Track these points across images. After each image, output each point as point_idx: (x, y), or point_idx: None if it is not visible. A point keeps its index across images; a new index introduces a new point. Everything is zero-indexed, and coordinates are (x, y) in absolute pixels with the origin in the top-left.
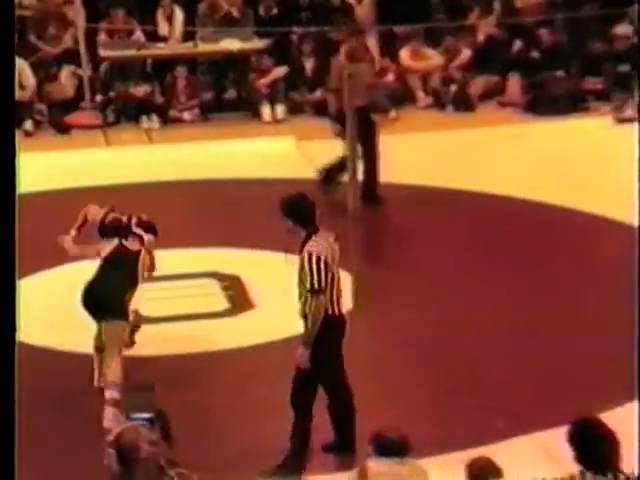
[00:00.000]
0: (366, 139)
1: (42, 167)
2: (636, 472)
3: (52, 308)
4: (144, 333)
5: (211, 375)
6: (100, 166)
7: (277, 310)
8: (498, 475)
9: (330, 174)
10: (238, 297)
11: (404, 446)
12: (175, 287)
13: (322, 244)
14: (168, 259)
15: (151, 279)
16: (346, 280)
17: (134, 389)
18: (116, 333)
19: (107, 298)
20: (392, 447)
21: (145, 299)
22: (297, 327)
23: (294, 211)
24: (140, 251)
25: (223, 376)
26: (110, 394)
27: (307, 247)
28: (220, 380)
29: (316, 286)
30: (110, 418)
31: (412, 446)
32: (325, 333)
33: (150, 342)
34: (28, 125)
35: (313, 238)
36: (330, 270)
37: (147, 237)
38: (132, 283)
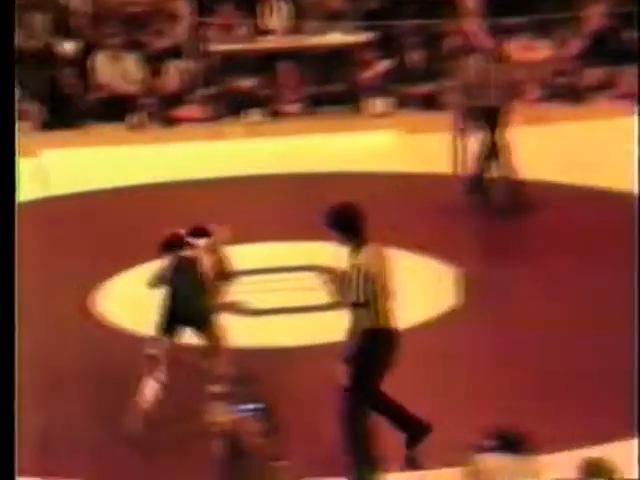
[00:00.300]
0: (493, 136)
1: (149, 160)
2: None
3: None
4: (247, 325)
5: (315, 368)
6: (206, 159)
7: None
8: (611, 475)
9: (478, 183)
10: None
11: (525, 443)
12: (278, 280)
13: (370, 257)
14: (271, 252)
15: (236, 275)
16: (451, 275)
17: (241, 381)
18: (216, 333)
19: (194, 316)
20: (513, 443)
21: (248, 291)
22: (400, 322)
23: (341, 222)
24: (196, 257)
25: (325, 370)
26: (216, 388)
27: (354, 260)
28: (324, 373)
29: (356, 299)
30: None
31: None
32: (370, 347)
33: (253, 334)
34: (136, 119)
35: (362, 250)
36: (377, 283)
37: (199, 242)
38: (203, 289)
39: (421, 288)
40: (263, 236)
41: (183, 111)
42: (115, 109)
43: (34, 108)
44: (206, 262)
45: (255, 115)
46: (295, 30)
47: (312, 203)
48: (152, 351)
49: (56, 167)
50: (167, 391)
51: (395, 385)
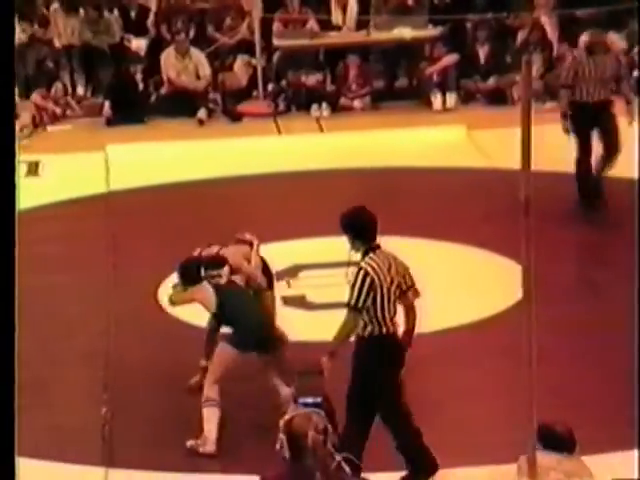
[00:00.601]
0: (606, 134)
1: (215, 155)
2: None
3: None
4: (308, 319)
5: None
6: (271, 154)
7: (443, 300)
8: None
9: (593, 184)
10: None
11: (572, 441)
12: (341, 274)
13: (378, 262)
14: (333, 246)
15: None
16: (516, 271)
17: (303, 373)
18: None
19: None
20: (561, 442)
21: (310, 286)
22: (463, 317)
23: (353, 225)
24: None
25: None
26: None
27: (362, 263)
28: None
29: (352, 303)
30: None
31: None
32: (372, 355)
33: (315, 328)
34: (202, 114)
35: (370, 255)
36: (379, 291)
37: (221, 271)
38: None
39: (485, 284)
40: (326, 231)
41: (249, 106)
42: (182, 104)
43: (103, 104)
44: (245, 271)
45: (321, 110)
46: (362, 25)
47: (376, 198)
48: (205, 363)
49: (122, 162)
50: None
51: (457, 379)
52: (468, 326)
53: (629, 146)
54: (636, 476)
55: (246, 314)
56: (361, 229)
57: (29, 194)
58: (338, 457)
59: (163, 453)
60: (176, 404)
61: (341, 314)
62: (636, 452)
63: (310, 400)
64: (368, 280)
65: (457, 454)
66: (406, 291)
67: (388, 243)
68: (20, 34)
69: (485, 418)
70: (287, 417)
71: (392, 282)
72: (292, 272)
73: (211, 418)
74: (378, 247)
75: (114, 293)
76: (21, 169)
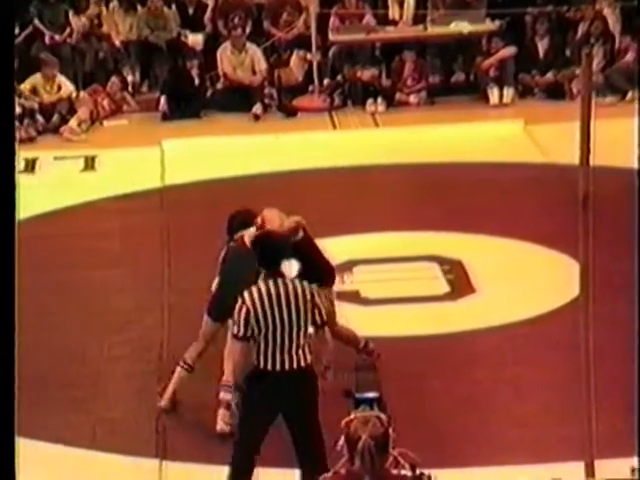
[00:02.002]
0: None
1: (270, 149)
2: None
3: None
4: (364, 314)
5: (430, 358)
6: (326, 149)
7: (499, 296)
8: None
9: None
10: (459, 281)
11: None
12: (397, 269)
13: (262, 292)
14: (388, 242)
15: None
16: (573, 268)
17: (360, 368)
18: None
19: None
20: None
21: (365, 281)
22: (518, 313)
23: (254, 248)
24: (242, 238)
25: (442, 360)
26: (223, 396)
27: (245, 290)
28: (439, 364)
29: (233, 332)
30: (221, 419)
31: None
32: (251, 388)
33: (370, 324)
34: (257, 108)
35: (259, 283)
36: (265, 322)
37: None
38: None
39: (542, 280)
40: (382, 226)
41: (304, 101)
42: (238, 99)
43: (159, 99)
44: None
45: (376, 105)
46: (419, 19)
47: (432, 193)
48: (227, 397)
49: (178, 157)
50: None
51: (514, 376)
52: (524, 322)
53: None
54: None
55: (224, 278)
56: (261, 254)
57: (85, 189)
58: (394, 452)
59: (216, 446)
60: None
61: (395, 310)
62: (636, 459)
63: (369, 395)
64: (244, 310)
65: (513, 451)
66: (318, 327)
67: (439, 238)
68: (78, 30)
69: (542, 415)
70: (348, 418)
71: (288, 315)
72: (346, 267)
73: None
74: (280, 275)
75: (168, 287)
76: (78, 164)
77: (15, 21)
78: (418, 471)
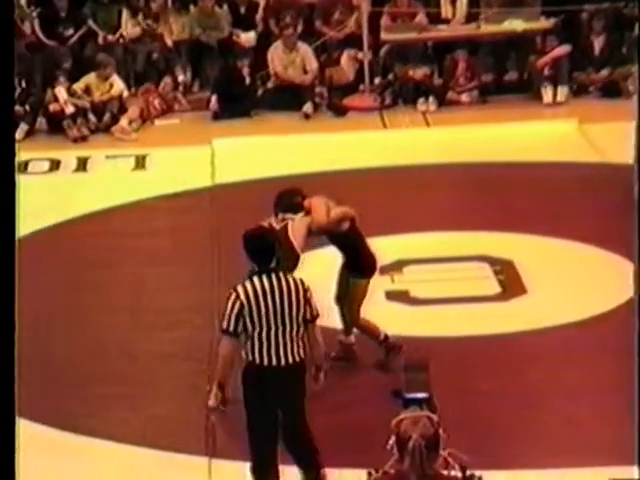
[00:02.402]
0: None
1: (321, 149)
2: None
3: None
4: (413, 314)
5: (480, 359)
6: (376, 148)
7: (550, 296)
8: None
9: None
10: (510, 282)
11: None
12: (447, 269)
13: (257, 287)
14: (439, 241)
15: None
16: (628, 269)
17: (410, 368)
18: None
19: None
20: None
21: (414, 281)
22: (570, 315)
23: (246, 245)
24: (286, 227)
25: (493, 361)
26: None
27: (237, 286)
28: (489, 365)
29: (222, 327)
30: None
31: None
32: (246, 384)
33: (419, 324)
34: (308, 108)
35: (253, 278)
36: (259, 317)
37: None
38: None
39: (596, 281)
40: (432, 225)
41: (355, 100)
42: (288, 98)
43: (210, 98)
44: (299, 229)
45: (427, 104)
46: (472, 18)
47: (483, 193)
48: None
49: (228, 155)
50: None
51: (565, 377)
52: (577, 324)
53: None
54: None
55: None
56: (253, 251)
57: (136, 187)
58: (444, 453)
59: None
60: None
61: (445, 310)
62: (636, 468)
63: (419, 395)
64: (237, 305)
65: (565, 453)
66: (309, 322)
67: (490, 238)
68: (131, 29)
69: (594, 417)
70: (398, 418)
71: (281, 310)
72: (396, 267)
73: None
74: (273, 271)
75: (218, 286)
76: (129, 163)
77: (14, 22)
78: (468, 472)
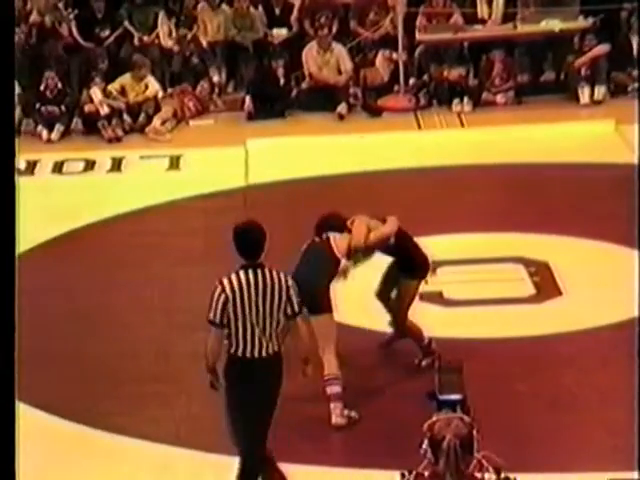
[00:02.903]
0: None
1: (355, 149)
2: None
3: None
4: (447, 316)
5: (515, 361)
6: (412, 149)
7: (586, 298)
8: None
9: None
10: (545, 283)
11: None
12: (481, 271)
13: (242, 280)
14: (473, 242)
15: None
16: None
17: (444, 370)
18: (327, 327)
19: (308, 291)
20: None
21: (448, 282)
22: (605, 317)
23: (235, 239)
24: (328, 238)
25: (527, 363)
26: (331, 390)
27: (223, 278)
28: (524, 367)
29: (209, 317)
30: (337, 413)
31: None
32: (227, 374)
33: (453, 325)
34: (342, 108)
35: (240, 272)
36: (242, 310)
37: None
38: (329, 272)
39: (631, 284)
40: (467, 226)
41: (389, 101)
42: (322, 99)
43: (245, 98)
44: (341, 244)
45: (462, 105)
46: (508, 18)
47: (519, 194)
48: (335, 389)
49: (262, 156)
50: None
51: (601, 380)
52: (611, 326)
53: None
54: None
55: (300, 269)
56: (240, 244)
57: (170, 187)
58: (478, 456)
59: (297, 442)
60: (305, 397)
61: (478, 311)
62: (636, 474)
63: (453, 397)
64: (222, 297)
65: (600, 457)
66: (290, 317)
67: (525, 239)
68: (167, 32)
69: (629, 421)
70: (431, 420)
71: (262, 304)
72: (431, 268)
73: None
74: (259, 266)
75: None
76: (163, 163)
77: (15, 22)
78: (503, 475)
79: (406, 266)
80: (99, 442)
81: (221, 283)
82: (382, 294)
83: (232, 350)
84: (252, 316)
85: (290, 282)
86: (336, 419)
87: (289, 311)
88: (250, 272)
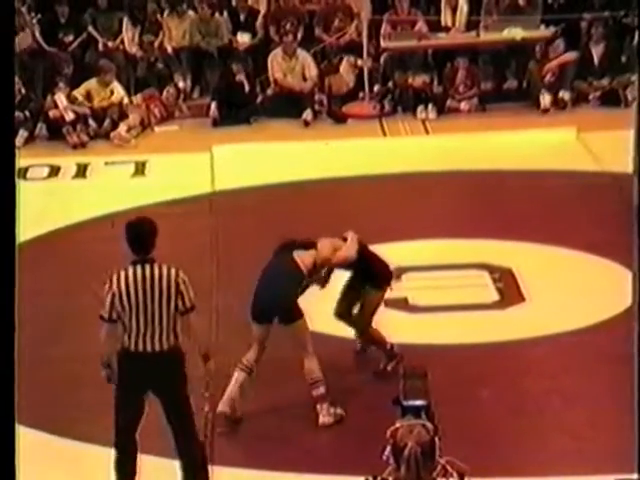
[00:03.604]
0: None
1: (320, 156)
2: None
3: None
4: (412, 322)
5: (478, 367)
6: (376, 155)
7: (549, 305)
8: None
9: None
10: (509, 290)
11: None
12: (445, 277)
13: (129, 276)
14: (438, 249)
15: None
16: (626, 278)
17: (409, 376)
18: (302, 332)
19: (278, 301)
20: None
21: (413, 288)
22: (569, 323)
23: (130, 235)
24: (292, 257)
25: (491, 369)
26: (317, 392)
27: (114, 273)
28: (488, 372)
29: (101, 313)
30: (324, 413)
31: None
32: (120, 368)
33: (418, 331)
34: (307, 115)
35: (129, 268)
36: (129, 305)
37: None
38: (297, 280)
39: (594, 290)
40: (431, 233)
41: (354, 107)
42: (288, 105)
43: (210, 104)
44: (307, 259)
45: (427, 112)
46: (472, 26)
47: (483, 201)
48: (320, 391)
49: (228, 162)
50: None
51: (564, 386)
52: (575, 332)
53: None
54: None
55: (265, 283)
56: (129, 239)
57: (135, 194)
58: (442, 461)
59: (266, 451)
60: (289, 402)
61: (443, 317)
62: (636, 476)
63: (417, 403)
64: (110, 293)
65: (563, 462)
66: (184, 313)
67: (488, 246)
68: (131, 37)
69: (592, 426)
70: (394, 427)
71: (151, 299)
72: (395, 274)
73: (234, 381)
74: (149, 261)
75: (217, 292)
76: (128, 169)
77: (15, 25)
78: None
79: (369, 276)
80: (64, 449)
81: (110, 279)
82: (343, 312)
83: (125, 344)
84: (140, 310)
85: (181, 278)
86: (323, 419)
87: (181, 307)
88: (139, 267)
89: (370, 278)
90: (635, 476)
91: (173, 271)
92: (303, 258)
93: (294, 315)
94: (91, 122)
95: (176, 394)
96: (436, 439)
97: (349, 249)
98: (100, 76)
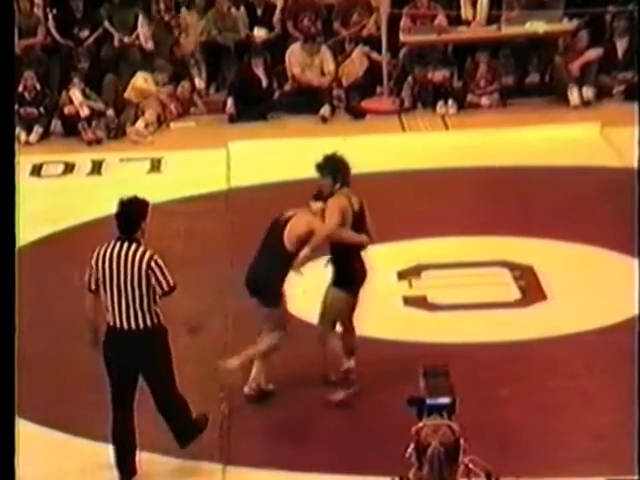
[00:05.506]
0: None
1: (338, 152)
2: None
3: None
4: (431, 320)
5: (499, 366)
6: (396, 151)
7: (570, 302)
8: None
9: None
10: (530, 287)
11: None
12: (465, 275)
13: (108, 252)
14: (459, 246)
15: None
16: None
17: (430, 374)
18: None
19: (260, 283)
20: None
21: (433, 286)
22: (590, 321)
23: (116, 213)
24: (285, 221)
25: (511, 368)
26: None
27: (98, 246)
28: (508, 371)
29: (86, 282)
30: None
31: None
32: (106, 346)
33: (437, 330)
34: (325, 110)
35: (112, 242)
36: (110, 281)
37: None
38: (277, 257)
39: (617, 287)
40: (451, 230)
41: (373, 103)
42: (305, 101)
43: (226, 100)
44: (297, 226)
45: (447, 107)
46: (493, 20)
47: (504, 198)
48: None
49: (244, 159)
50: None
51: (586, 385)
52: (597, 331)
53: None
54: None
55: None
56: (118, 216)
57: (151, 190)
58: (465, 460)
59: (280, 450)
60: (294, 402)
61: (463, 316)
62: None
63: (440, 401)
64: (91, 263)
65: (585, 462)
66: (162, 295)
67: (510, 243)
68: (147, 32)
69: (614, 426)
70: (419, 425)
71: (130, 276)
72: (414, 272)
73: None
74: (131, 240)
75: (233, 290)
76: (144, 166)
77: (15, 23)
78: (494, 479)
79: (340, 276)
80: (71, 446)
81: (94, 251)
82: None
83: (109, 321)
84: (114, 285)
85: (154, 260)
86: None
87: (158, 289)
88: (119, 244)
89: (339, 279)
90: (636, 477)
91: (148, 253)
92: (289, 235)
93: (272, 300)
94: (110, 113)
95: (162, 370)
96: (461, 440)
97: (330, 219)
98: (154, 74)
